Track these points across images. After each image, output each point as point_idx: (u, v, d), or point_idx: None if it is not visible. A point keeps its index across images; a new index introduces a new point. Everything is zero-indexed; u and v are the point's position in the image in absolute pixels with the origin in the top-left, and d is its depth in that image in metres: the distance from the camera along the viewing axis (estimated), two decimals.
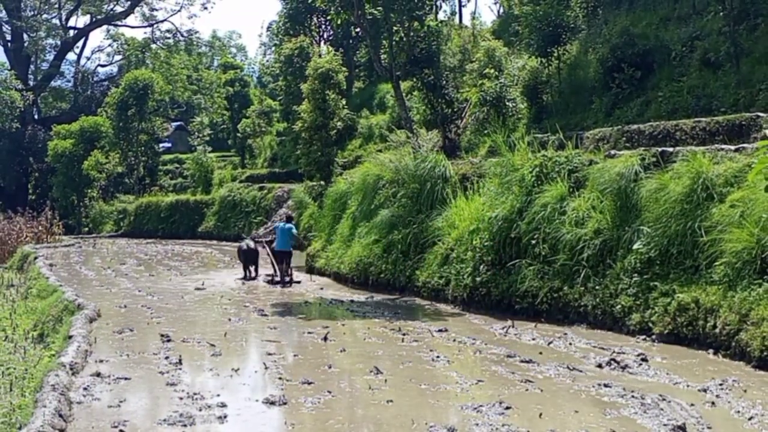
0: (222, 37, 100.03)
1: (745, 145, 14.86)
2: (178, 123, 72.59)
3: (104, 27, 73.81)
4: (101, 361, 12.50)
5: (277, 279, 23.30)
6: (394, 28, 27.93)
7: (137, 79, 55.29)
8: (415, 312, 17.51)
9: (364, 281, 21.77)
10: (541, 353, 12.69)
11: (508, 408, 9.49)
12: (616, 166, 15.54)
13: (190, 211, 48.76)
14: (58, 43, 72.83)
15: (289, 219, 24.58)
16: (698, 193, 13.65)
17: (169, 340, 14.21)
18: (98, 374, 11.44)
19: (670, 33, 23.00)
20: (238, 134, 58.62)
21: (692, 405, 9.54)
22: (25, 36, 69.45)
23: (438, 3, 29.39)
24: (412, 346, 13.55)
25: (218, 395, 10.36)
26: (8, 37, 69.29)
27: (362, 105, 46.79)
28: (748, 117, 16.89)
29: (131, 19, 74.01)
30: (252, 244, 25.03)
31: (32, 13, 71.55)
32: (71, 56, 74.81)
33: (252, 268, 24.81)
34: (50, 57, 73.56)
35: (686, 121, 18.32)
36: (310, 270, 25.74)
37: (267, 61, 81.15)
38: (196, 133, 59.66)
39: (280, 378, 11.33)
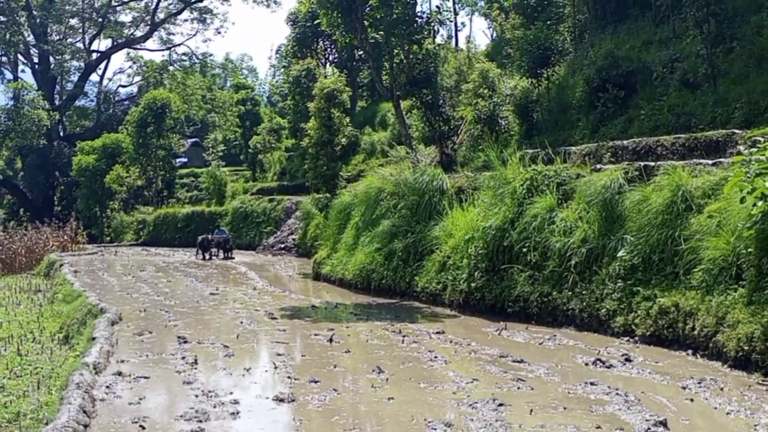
0: (234, 60, 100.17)
1: (721, 159, 14.89)
2: (194, 139, 72.71)
3: (125, 50, 74.18)
4: (122, 361, 12.53)
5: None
6: (395, 51, 28.03)
7: (155, 99, 55.41)
8: (414, 315, 17.51)
9: (366, 287, 21.78)
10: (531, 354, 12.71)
11: (501, 405, 9.50)
12: (602, 179, 15.57)
13: (205, 221, 48.69)
14: (82, 65, 73.00)
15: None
16: (678, 204, 13.68)
17: (185, 342, 14.23)
18: (119, 373, 11.47)
19: (652, 55, 23.03)
20: (250, 150, 58.68)
21: (672, 401, 9.57)
22: (51, 59, 69.64)
23: (435, 28, 29.38)
24: (411, 347, 13.56)
25: (231, 393, 10.39)
26: (36, 60, 69.49)
27: (365, 122, 46.86)
28: (725, 134, 16.90)
29: (150, 43, 74.39)
30: (208, 237, 38.42)
31: (58, 37, 71.76)
32: (94, 77, 75.13)
33: (206, 253, 37.39)
34: (75, 78, 73.76)
35: (667, 137, 18.32)
36: (317, 276, 25.76)
37: (276, 81, 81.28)
38: (211, 149, 59.77)
39: (288, 377, 11.35)
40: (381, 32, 27.80)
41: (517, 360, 12.14)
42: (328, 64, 52.23)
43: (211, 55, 79.02)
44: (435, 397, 10.16)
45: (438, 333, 14.85)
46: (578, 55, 26.70)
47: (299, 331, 15.83)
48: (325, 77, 37.63)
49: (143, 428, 8.92)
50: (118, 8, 72.87)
